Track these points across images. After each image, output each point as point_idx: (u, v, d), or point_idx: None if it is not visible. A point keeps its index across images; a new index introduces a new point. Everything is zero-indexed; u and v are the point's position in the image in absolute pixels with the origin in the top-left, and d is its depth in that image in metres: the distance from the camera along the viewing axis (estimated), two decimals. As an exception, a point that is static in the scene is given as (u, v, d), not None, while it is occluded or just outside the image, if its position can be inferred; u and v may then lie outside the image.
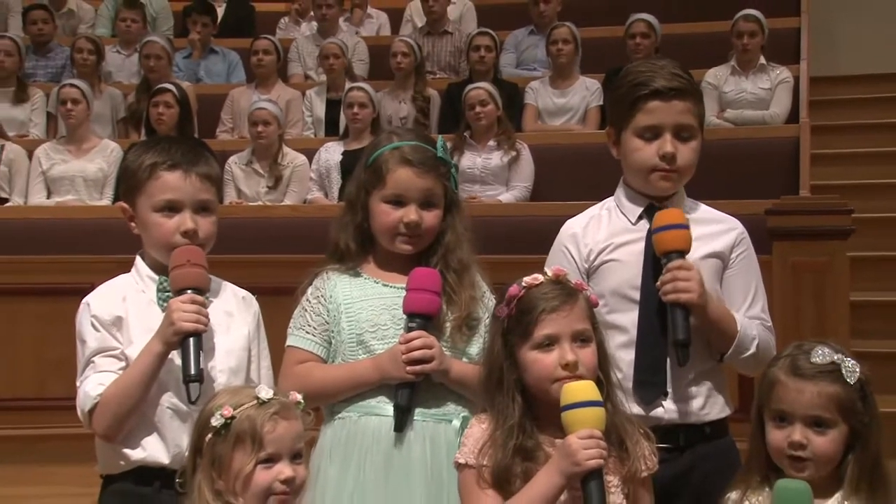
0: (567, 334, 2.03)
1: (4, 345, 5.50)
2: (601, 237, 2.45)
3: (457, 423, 2.32)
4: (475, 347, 2.38)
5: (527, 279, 2.08)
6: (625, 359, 2.35)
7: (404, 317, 2.34)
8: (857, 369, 2.04)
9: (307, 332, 2.40)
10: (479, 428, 2.07)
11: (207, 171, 2.32)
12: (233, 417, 1.94)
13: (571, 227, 2.52)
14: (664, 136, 2.39)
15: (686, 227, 2.31)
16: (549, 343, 2.02)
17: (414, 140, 2.41)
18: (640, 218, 2.45)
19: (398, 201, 2.36)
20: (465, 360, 2.37)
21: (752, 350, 2.38)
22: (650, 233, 2.37)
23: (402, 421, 2.29)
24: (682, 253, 2.31)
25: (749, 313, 2.43)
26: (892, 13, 8.85)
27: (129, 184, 2.34)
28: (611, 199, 2.53)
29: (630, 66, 2.59)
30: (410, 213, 2.35)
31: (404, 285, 2.35)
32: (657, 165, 2.40)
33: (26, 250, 5.65)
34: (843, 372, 2.03)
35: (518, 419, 2.02)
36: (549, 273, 2.09)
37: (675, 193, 2.46)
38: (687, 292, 2.26)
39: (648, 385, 2.34)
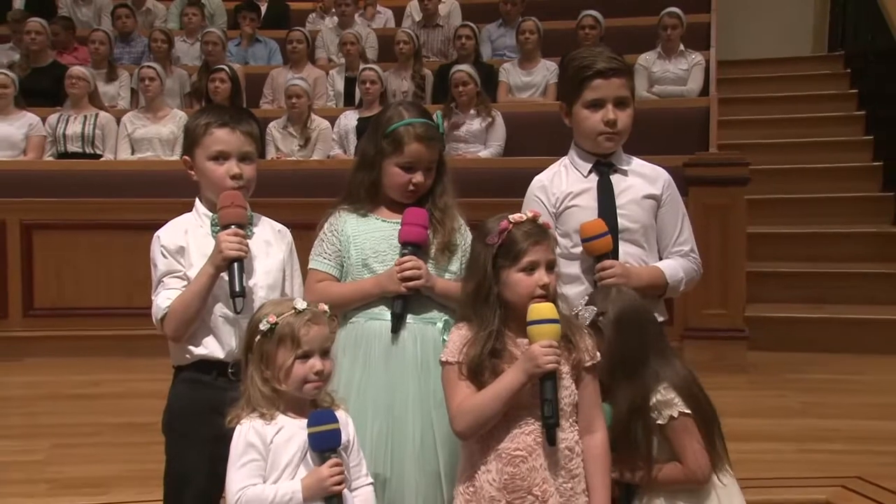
0: (544, 262, 2.00)
1: (101, 267, 5.53)
2: (563, 188, 2.41)
3: (440, 324, 2.31)
4: (454, 266, 2.37)
5: (514, 217, 2.04)
6: (585, 280, 2.34)
7: (399, 245, 2.31)
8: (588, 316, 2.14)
9: (325, 258, 2.38)
10: (459, 334, 2.05)
11: (249, 129, 2.28)
12: (276, 323, 1.92)
13: (540, 180, 2.47)
14: (607, 107, 2.35)
15: (608, 233, 2.29)
16: (531, 268, 1.99)
17: (422, 117, 2.36)
18: (590, 172, 2.41)
19: (410, 167, 2.33)
20: (446, 275, 2.36)
21: (682, 288, 2.42)
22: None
23: (397, 324, 2.29)
24: (607, 254, 2.29)
25: (679, 240, 2.43)
26: (781, 11, 8.84)
27: (189, 140, 2.30)
28: (566, 157, 2.48)
29: (574, 52, 2.51)
30: (419, 177, 2.33)
31: (399, 221, 2.33)
32: (603, 130, 2.36)
33: (116, 195, 5.64)
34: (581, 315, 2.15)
35: (497, 326, 2.00)
36: (529, 214, 2.06)
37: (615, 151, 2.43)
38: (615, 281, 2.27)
39: None
